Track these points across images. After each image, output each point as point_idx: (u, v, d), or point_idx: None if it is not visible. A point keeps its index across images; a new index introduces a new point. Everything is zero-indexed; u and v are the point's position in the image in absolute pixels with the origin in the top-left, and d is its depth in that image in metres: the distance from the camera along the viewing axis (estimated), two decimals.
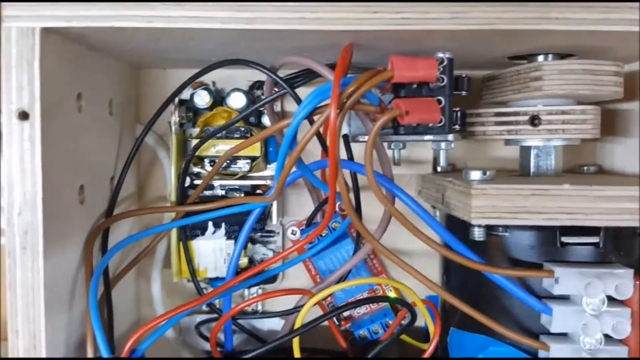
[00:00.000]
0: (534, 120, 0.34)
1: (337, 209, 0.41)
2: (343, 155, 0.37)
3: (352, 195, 0.37)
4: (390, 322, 0.41)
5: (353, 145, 0.37)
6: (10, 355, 0.29)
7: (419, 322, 0.38)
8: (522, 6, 0.28)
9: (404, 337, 0.40)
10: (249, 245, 0.41)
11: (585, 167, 0.41)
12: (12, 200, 0.28)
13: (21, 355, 0.29)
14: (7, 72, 0.28)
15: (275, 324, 0.43)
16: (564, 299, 0.30)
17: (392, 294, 0.43)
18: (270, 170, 0.41)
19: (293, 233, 0.42)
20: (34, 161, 0.28)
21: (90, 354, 0.31)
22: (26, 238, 0.28)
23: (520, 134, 0.34)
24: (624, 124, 0.39)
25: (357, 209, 0.36)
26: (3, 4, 0.28)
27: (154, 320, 0.32)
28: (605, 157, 0.42)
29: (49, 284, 0.29)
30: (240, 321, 0.42)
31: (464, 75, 0.35)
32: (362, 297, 0.41)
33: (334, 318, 0.40)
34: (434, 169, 0.41)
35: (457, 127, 0.35)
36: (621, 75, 0.33)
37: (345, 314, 0.42)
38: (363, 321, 0.42)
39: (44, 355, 0.29)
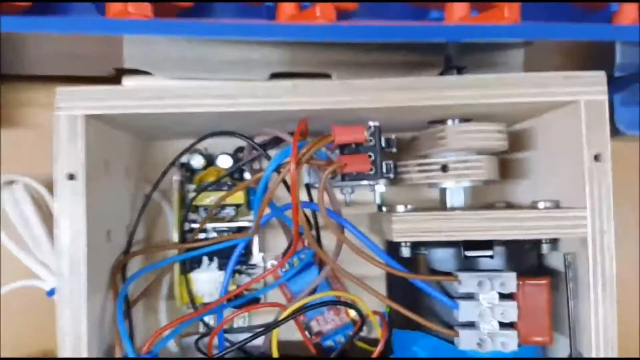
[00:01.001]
0: (445, 168, 0.45)
1: (306, 244, 0.52)
2: (307, 199, 0.49)
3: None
4: (350, 333, 0.51)
5: (313, 192, 0.49)
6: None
7: (376, 335, 0.48)
8: (422, 90, 0.40)
9: (363, 345, 0.50)
10: (236, 275, 0.52)
11: (497, 204, 0.53)
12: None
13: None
14: (57, 147, 0.39)
15: (258, 340, 0.53)
16: (470, 297, 0.41)
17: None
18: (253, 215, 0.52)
19: (272, 265, 0.53)
20: (80, 209, 0.39)
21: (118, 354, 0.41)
22: (71, 267, 0.39)
23: (436, 179, 0.46)
24: (520, 169, 0.51)
25: (317, 239, 0.48)
26: (56, 98, 0.40)
27: (165, 327, 0.42)
28: (511, 195, 0.53)
29: (90, 310, 0.40)
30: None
31: (392, 137, 0.47)
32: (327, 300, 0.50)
33: (307, 332, 0.51)
34: (379, 208, 0.52)
35: (390, 175, 0.46)
36: (504, 133, 0.45)
37: (316, 329, 0.52)
38: (330, 334, 0.52)
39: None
